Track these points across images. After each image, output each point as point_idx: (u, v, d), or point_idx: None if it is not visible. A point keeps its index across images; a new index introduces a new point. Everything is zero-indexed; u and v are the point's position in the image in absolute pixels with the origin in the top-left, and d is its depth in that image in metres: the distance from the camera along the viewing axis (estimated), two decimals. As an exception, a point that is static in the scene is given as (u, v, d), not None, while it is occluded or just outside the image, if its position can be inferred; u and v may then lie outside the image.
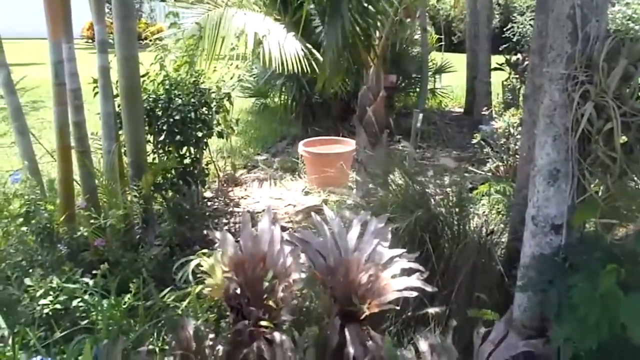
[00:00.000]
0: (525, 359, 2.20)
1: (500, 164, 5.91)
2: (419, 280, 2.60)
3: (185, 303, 2.62)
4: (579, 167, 2.18)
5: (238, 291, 2.45)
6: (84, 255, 3.46)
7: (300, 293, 2.60)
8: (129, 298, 2.63)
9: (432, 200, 3.42)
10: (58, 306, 2.49)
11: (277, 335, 2.41)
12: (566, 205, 2.24)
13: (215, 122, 5.15)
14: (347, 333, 2.57)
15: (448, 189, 3.53)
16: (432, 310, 2.65)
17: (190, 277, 2.67)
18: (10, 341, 2.13)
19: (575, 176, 2.20)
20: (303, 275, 2.59)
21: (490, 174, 5.85)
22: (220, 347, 2.47)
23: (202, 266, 2.54)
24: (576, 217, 2.22)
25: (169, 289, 2.76)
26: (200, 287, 2.59)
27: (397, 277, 2.62)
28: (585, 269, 2.12)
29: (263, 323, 2.43)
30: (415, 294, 2.54)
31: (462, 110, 10.53)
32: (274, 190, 6.27)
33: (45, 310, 2.42)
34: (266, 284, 2.51)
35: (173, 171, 4.72)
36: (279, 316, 2.49)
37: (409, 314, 2.77)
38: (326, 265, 2.63)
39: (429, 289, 2.57)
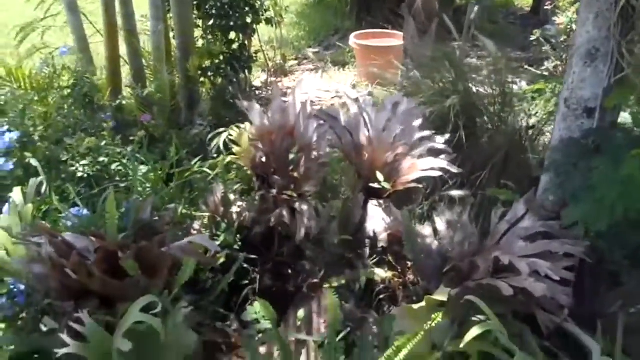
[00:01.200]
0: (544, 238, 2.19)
1: (559, 63, 5.63)
2: (445, 161, 2.60)
3: (215, 171, 2.72)
4: (619, 47, 2.06)
5: (263, 159, 2.52)
6: (133, 131, 3.60)
7: (325, 167, 2.64)
8: (165, 166, 2.76)
9: (474, 89, 3.32)
10: (98, 167, 2.64)
11: (299, 204, 2.50)
12: (602, 88, 2.14)
13: (264, 9, 5.07)
14: (369, 209, 2.64)
15: (492, 80, 3.41)
16: (456, 193, 2.65)
17: (222, 148, 2.75)
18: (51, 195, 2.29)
19: (614, 57, 2.09)
20: (329, 150, 2.64)
21: (547, 73, 5.59)
22: (246, 213, 2.60)
23: (232, 136, 2.61)
24: (611, 98, 2.12)
25: (199, 157, 2.87)
26: (229, 156, 2.68)
27: (423, 158, 2.63)
28: (611, 153, 2.06)
29: (287, 192, 2.52)
30: (439, 173, 2.55)
31: (529, 9, 9.91)
32: (323, 82, 6.23)
33: (86, 170, 2.58)
34: (292, 155, 2.57)
35: (221, 56, 4.74)
36: (302, 187, 2.57)
37: (436, 196, 2.79)
38: (353, 142, 2.66)
39: (454, 170, 2.57)
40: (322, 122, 2.64)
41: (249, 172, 2.65)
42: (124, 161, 2.73)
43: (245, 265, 2.50)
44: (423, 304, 2.02)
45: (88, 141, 2.55)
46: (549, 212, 2.32)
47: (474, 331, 1.78)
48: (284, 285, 2.53)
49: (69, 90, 3.29)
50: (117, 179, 2.75)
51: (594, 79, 2.15)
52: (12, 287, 2.04)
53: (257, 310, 2.01)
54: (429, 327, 1.95)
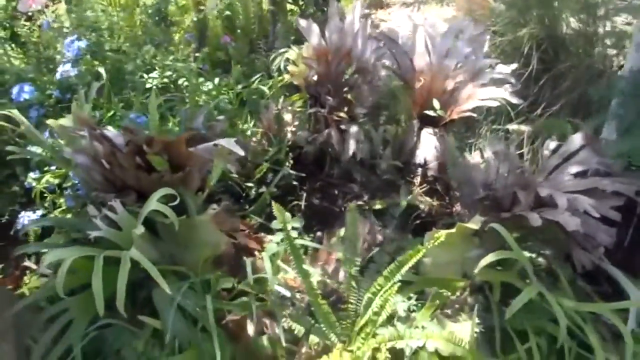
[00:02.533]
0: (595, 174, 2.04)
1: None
2: (506, 92, 2.47)
3: (271, 90, 2.77)
4: None
5: (315, 78, 2.53)
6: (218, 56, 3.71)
7: (380, 91, 2.60)
8: (228, 82, 2.85)
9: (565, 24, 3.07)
10: (166, 80, 2.78)
11: (349, 126, 2.50)
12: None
13: None
14: (423, 137, 2.59)
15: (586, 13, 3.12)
16: (514, 126, 2.52)
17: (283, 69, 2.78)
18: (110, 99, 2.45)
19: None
20: (385, 74, 2.59)
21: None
22: (300, 132, 2.64)
23: (291, 56, 2.63)
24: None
25: (259, 74, 2.92)
26: (286, 76, 2.71)
27: (485, 87, 2.52)
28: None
29: (339, 113, 2.53)
30: (497, 104, 2.43)
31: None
32: (419, 15, 6.01)
33: (154, 82, 2.72)
34: (346, 76, 2.55)
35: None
36: (355, 110, 2.56)
37: (496, 127, 2.68)
38: (412, 67, 2.58)
39: (514, 100, 2.44)
40: (381, 44, 2.58)
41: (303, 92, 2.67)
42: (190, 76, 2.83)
43: (295, 183, 2.57)
44: (453, 230, 1.99)
45: (154, 54, 2.67)
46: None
47: (490, 257, 1.74)
48: (330, 205, 2.57)
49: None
50: (185, 93, 2.88)
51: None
52: (75, 181, 2.27)
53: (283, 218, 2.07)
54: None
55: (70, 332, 1.68)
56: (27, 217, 2.16)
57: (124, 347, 1.76)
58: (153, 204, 1.58)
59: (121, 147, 1.73)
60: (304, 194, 2.56)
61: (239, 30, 3.97)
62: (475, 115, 2.49)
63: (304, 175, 2.59)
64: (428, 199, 2.47)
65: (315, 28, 2.56)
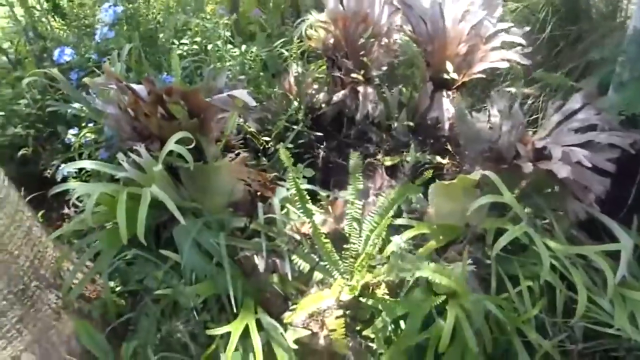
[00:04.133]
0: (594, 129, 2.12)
1: None
2: (516, 53, 2.55)
3: (292, 53, 2.92)
4: None
5: (331, 41, 2.66)
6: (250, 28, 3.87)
7: (396, 55, 2.71)
8: (256, 49, 3.01)
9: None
10: (195, 47, 2.97)
11: (364, 87, 2.63)
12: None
13: None
14: (437, 99, 2.70)
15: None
16: (524, 89, 2.60)
17: (303, 32, 2.90)
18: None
19: None
20: (401, 37, 2.69)
21: None
22: (319, 95, 2.78)
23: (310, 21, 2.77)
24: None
25: (281, 40, 3.07)
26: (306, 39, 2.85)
27: (496, 50, 2.60)
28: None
29: (354, 76, 2.65)
30: (506, 64, 2.52)
31: None
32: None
33: (185, 48, 2.91)
34: (362, 40, 2.67)
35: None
36: (371, 72, 2.68)
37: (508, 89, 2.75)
38: (427, 32, 2.68)
39: (525, 62, 2.52)
40: (397, 9, 2.69)
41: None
42: (218, 43, 3.00)
43: (313, 142, 2.72)
44: (454, 181, 2.10)
45: (185, 21, 2.86)
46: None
47: (481, 200, 1.85)
48: (346, 162, 2.71)
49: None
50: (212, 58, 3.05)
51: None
52: (108, 135, 2.47)
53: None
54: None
55: (97, 262, 1.89)
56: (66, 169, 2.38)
57: (147, 276, 1.96)
58: (171, 145, 1.76)
59: (145, 98, 1.91)
60: (321, 152, 2.71)
61: (271, 3, 4.12)
62: (484, 76, 2.57)
63: (320, 134, 2.74)
64: (438, 157, 2.58)
65: (333, -7, 2.69)
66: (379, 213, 1.96)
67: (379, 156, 2.66)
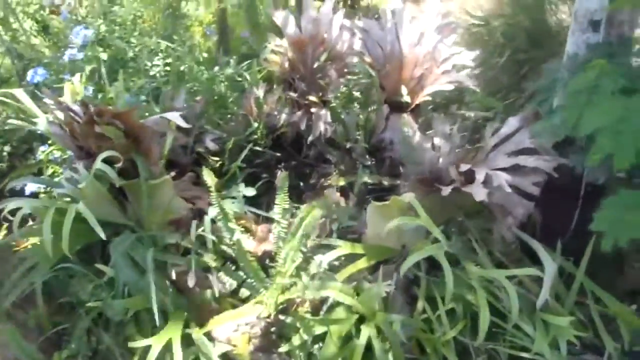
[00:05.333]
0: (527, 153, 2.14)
1: None
2: (463, 76, 2.59)
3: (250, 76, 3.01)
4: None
5: (286, 65, 2.74)
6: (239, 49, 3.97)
7: (353, 78, 2.78)
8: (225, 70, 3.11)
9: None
10: (167, 69, 3.08)
11: (317, 109, 2.69)
12: (607, -3, 1.99)
13: None
14: (390, 120, 2.75)
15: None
16: (471, 113, 2.63)
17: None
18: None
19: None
20: (357, 61, 2.76)
21: None
22: (277, 115, 2.86)
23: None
24: (615, 3, 1.96)
25: (247, 62, 3.16)
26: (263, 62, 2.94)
27: (447, 73, 2.64)
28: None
29: (310, 98, 2.72)
30: (451, 87, 2.56)
31: None
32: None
33: (157, 69, 3.03)
34: (317, 64, 2.74)
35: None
36: (327, 95, 2.75)
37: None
38: (383, 55, 2.74)
39: (469, 84, 2.56)
40: (354, 33, 2.76)
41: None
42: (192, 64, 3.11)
43: (272, 162, 2.80)
44: (387, 202, 2.14)
45: (151, 42, 2.98)
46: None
47: (394, 222, 1.89)
48: (303, 182, 2.78)
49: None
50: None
51: (600, -12, 2.01)
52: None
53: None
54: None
55: (32, 274, 1.99)
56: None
57: (82, 289, 2.05)
58: (98, 163, 1.86)
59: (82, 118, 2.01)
60: (278, 172, 2.78)
61: (261, 24, 4.23)
62: (438, 99, 2.62)
63: (279, 155, 2.82)
64: (388, 177, 2.62)
65: (291, 19, 2.77)
66: (291, 232, 2.01)
67: (334, 177, 2.72)
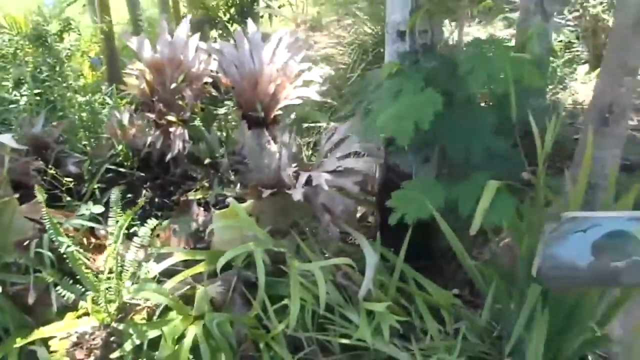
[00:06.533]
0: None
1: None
2: (312, 91, 2.75)
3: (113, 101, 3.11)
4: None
5: (142, 86, 2.84)
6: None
7: (209, 96, 2.91)
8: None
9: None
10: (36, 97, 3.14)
11: (175, 128, 2.80)
12: (408, 11, 2.19)
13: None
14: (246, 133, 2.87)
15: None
16: (321, 123, 2.80)
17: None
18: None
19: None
20: (213, 81, 2.89)
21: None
22: (141, 137, 2.95)
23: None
24: (411, 20, 2.17)
25: (110, 87, 3.26)
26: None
27: (298, 88, 2.80)
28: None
29: (169, 118, 2.83)
30: (300, 101, 2.72)
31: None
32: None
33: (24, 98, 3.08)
34: (174, 85, 2.86)
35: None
36: (185, 114, 2.86)
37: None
38: (239, 74, 2.88)
39: (316, 98, 2.73)
40: (209, 55, 2.90)
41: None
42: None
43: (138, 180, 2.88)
44: (226, 210, 2.25)
45: (17, 74, 3.04)
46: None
47: (216, 224, 2.00)
48: (167, 199, 2.86)
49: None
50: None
51: (402, 2, 2.21)
52: None
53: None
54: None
55: None
56: None
57: None
58: None
59: None
60: (144, 191, 2.86)
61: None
62: (280, 113, 2.78)
63: (145, 174, 2.90)
64: (243, 188, 2.73)
65: (147, 43, 2.88)
66: (113, 240, 2.09)
67: (195, 192, 2.82)
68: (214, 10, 4.97)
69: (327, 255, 2.25)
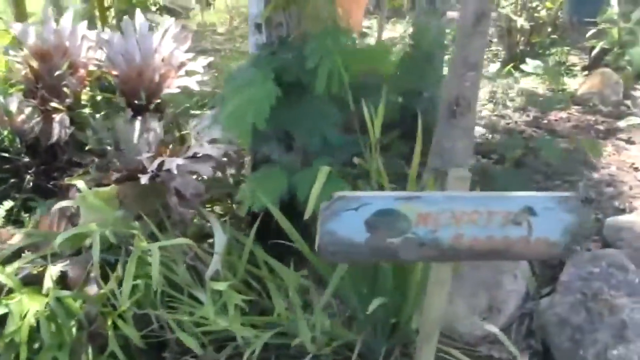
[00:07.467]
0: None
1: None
2: (193, 80, 2.84)
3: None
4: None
5: (24, 72, 2.89)
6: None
7: (96, 84, 2.97)
8: None
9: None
10: None
11: (57, 115, 2.85)
12: (262, 4, 2.29)
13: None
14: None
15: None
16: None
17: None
18: None
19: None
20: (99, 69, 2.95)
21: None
22: (31, 123, 2.98)
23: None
24: (263, 13, 2.27)
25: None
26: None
27: (180, 77, 2.88)
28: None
29: (53, 104, 2.88)
30: (178, 90, 2.80)
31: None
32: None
33: None
34: (58, 72, 2.91)
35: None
36: (68, 101, 2.92)
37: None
38: (125, 63, 2.94)
39: (196, 88, 2.81)
40: (95, 43, 2.95)
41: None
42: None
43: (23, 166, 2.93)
44: (92, 192, 2.31)
45: None
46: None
47: (56, 206, 2.08)
48: (53, 184, 2.91)
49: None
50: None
51: (257, -4, 2.30)
52: None
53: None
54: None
55: None
56: None
57: None
58: None
59: None
60: (27, 177, 2.91)
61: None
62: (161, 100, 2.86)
63: (32, 160, 2.95)
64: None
65: (31, 31, 2.93)
66: None
67: (75, 178, 2.87)
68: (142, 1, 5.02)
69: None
